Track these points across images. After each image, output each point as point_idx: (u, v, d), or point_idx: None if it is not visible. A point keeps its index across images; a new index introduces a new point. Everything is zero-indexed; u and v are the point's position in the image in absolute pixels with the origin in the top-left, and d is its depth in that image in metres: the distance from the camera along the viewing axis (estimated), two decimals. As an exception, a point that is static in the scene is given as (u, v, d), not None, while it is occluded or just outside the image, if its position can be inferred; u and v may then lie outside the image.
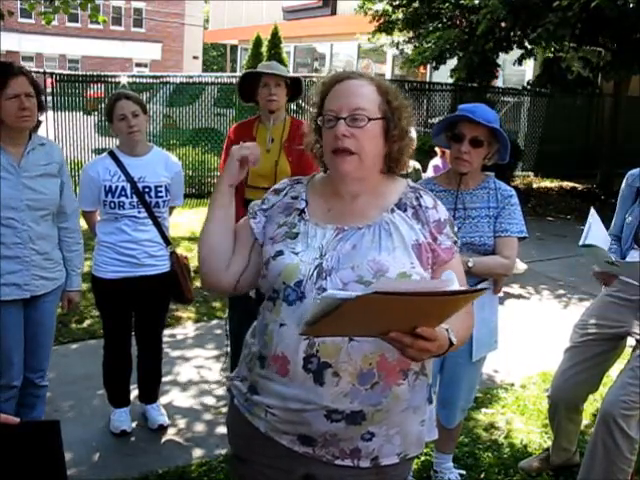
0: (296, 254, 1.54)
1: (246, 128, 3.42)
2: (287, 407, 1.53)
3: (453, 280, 1.36)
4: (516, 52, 10.06)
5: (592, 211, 2.69)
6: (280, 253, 1.56)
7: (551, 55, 9.99)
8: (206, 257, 1.65)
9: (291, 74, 3.51)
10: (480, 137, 2.46)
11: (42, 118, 2.76)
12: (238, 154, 1.62)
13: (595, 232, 2.59)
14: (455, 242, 1.62)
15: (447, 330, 1.42)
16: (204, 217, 1.68)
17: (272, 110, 3.30)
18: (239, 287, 1.67)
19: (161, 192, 3.12)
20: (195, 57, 38.28)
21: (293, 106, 7.99)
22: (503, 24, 8.85)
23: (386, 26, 10.93)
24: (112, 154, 3.11)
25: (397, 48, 11.39)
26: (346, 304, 1.17)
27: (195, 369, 4.11)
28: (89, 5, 6.90)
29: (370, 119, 1.53)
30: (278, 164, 3.27)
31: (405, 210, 1.58)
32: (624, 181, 2.86)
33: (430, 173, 5.41)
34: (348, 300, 1.17)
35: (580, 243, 2.57)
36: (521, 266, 5.75)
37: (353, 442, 1.54)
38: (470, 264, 2.44)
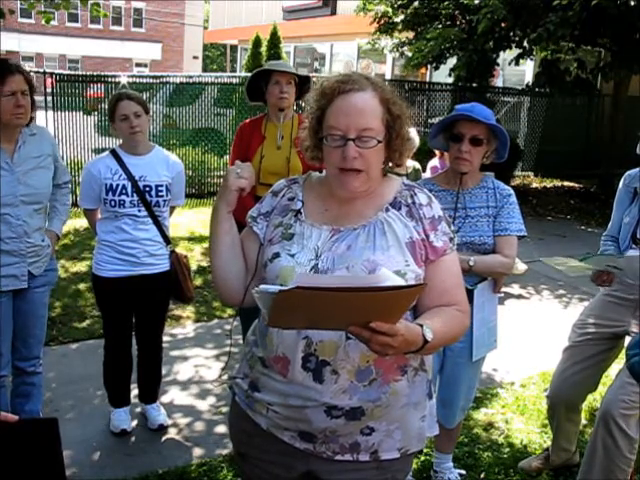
0: (292, 256, 1.55)
1: (255, 126, 3.44)
2: (288, 404, 1.54)
3: (386, 276, 1.34)
4: (515, 52, 10.07)
5: (543, 260, 2.79)
6: (277, 255, 1.57)
7: (549, 56, 9.97)
8: (223, 284, 1.68)
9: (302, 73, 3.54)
10: (480, 136, 2.46)
11: (33, 114, 2.82)
12: (235, 185, 1.60)
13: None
14: (451, 239, 1.61)
15: (422, 326, 1.41)
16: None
17: (283, 108, 3.33)
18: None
19: (162, 191, 3.12)
20: (195, 57, 38.30)
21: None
22: (503, 24, 8.85)
23: (386, 27, 10.93)
24: (114, 152, 3.12)
25: (397, 50, 11.40)
26: (278, 297, 1.22)
27: (195, 369, 4.11)
28: (89, 1, 6.89)
29: (379, 141, 1.53)
30: (290, 161, 3.31)
31: (399, 208, 1.59)
32: (621, 181, 2.86)
33: (428, 174, 5.40)
34: (276, 294, 1.23)
35: (580, 259, 2.61)
36: (521, 266, 5.75)
37: (352, 437, 1.55)
38: (471, 263, 2.46)
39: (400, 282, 1.39)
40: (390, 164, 1.63)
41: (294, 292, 1.20)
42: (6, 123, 2.65)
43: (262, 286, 1.31)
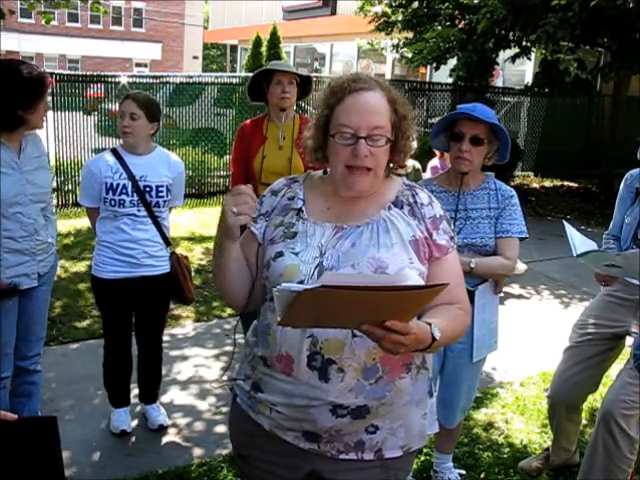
0: (296, 254, 1.55)
1: (257, 126, 3.44)
2: (292, 404, 1.54)
3: (407, 276, 1.35)
4: (514, 51, 10.07)
5: (565, 223, 2.70)
6: (280, 254, 1.57)
7: (549, 57, 9.97)
8: (231, 296, 1.69)
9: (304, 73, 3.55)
10: (480, 135, 2.46)
11: None
12: (236, 225, 1.52)
13: (579, 240, 2.60)
14: (452, 238, 1.63)
15: (430, 325, 1.43)
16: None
17: (284, 108, 3.34)
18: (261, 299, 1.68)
19: (162, 192, 3.11)
20: (195, 57, 38.29)
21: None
22: (503, 24, 8.84)
23: (385, 26, 10.94)
24: (115, 151, 3.11)
25: (397, 51, 11.42)
26: (300, 296, 1.22)
27: (195, 368, 4.11)
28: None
29: (389, 140, 1.54)
30: (292, 161, 3.31)
31: (401, 207, 1.61)
32: (622, 182, 2.86)
33: (428, 174, 5.40)
34: (300, 292, 1.22)
35: (574, 255, 2.57)
36: (521, 267, 5.76)
37: (357, 435, 1.56)
38: (472, 265, 2.45)
39: (421, 282, 1.40)
40: (392, 165, 1.63)
41: (319, 291, 1.20)
42: (38, 127, 2.78)
43: (284, 284, 1.31)
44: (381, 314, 1.30)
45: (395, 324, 1.31)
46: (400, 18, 10.70)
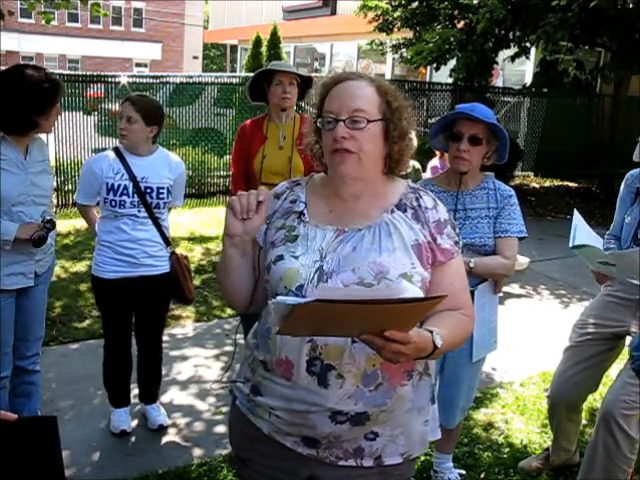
0: (296, 258, 1.53)
1: (257, 126, 3.45)
2: (291, 409, 1.53)
3: (404, 288, 1.34)
4: (514, 50, 10.07)
5: (575, 213, 2.69)
6: (280, 258, 1.55)
7: (548, 57, 9.97)
8: (234, 296, 1.67)
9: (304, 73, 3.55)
10: (479, 135, 2.46)
11: None
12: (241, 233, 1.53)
13: (582, 233, 2.59)
14: (457, 242, 1.61)
15: (432, 333, 1.42)
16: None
17: (285, 108, 3.35)
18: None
19: (162, 193, 3.11)
20: (195, 57, 38.30)
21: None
22: (502, 24, 8.85)
23: (385, 25, 10.94)
24: (117, 151, 3.11)
25: (397, 52, 11.44)
26: (296, 309, 1.22)
27: (195, 369, 4.11)
28: (89, 1, 6.92)
29: (370, 121, 1.52)
30: (292, 161, 3.32)
31: (405, 211, 1.58)
32: (623, 182, 2.86)
33: (428, 174, 5.41)
34: (295, 306, 1.22)
35: (570, 245, 2.56)
36: (523, 260, 5.75)
37: (357, 441, 1.54)
38: (471, 265, 2.45)
39: (419, 294, 1.39)
40: (391, 162, 1.60)
41: (313, 305, 1.20)
42: (48, 131, 2.90)
43: (280, 297, 1.30)
44: (380, 324, 1.29)
45: (394, 334, 1.29)
46: (399, 14, 10.70)
